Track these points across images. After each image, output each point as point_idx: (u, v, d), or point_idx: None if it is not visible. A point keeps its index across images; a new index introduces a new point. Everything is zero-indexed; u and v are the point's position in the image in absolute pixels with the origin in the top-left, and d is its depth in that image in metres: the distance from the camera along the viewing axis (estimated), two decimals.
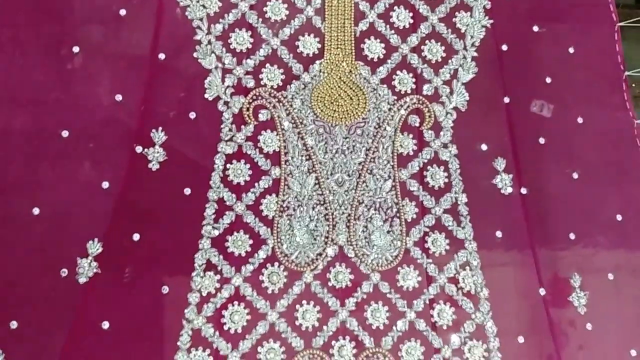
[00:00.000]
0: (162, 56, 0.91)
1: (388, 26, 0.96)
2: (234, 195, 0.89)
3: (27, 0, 0.90)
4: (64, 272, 0.84)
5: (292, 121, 0.92)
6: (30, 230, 0.85)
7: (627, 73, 1.02)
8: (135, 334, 0.85)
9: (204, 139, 0.90)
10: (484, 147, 0.95)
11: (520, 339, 0.91)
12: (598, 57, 1.02)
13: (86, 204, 0.87)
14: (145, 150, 0.88)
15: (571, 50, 1.00)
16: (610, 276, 0.97)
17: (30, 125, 0.88)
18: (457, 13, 0.97)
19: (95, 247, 0.85)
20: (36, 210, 0.86)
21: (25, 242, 0.85)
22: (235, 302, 0.87)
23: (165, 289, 0.86)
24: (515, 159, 0.95)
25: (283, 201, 0.90)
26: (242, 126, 0.91)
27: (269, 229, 0.89)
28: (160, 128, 0.89)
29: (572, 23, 1.01)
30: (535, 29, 0.99)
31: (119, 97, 0.89)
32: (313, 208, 0.90)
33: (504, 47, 0.98)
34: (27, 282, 0.84)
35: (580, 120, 0.98)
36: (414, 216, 0.92)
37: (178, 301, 0.86)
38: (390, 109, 0.94)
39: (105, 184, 0.87)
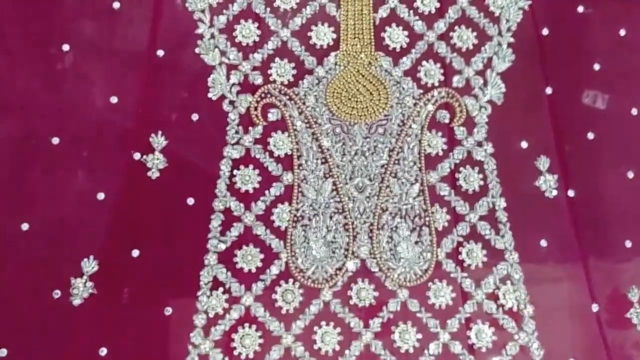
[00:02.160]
0: (160, 53, 0.89)
1: (411, 11, 0.92)
2: (242, 205, 0.86)
3: None
4: (57, 293, 0.83)
5: (306, 120, 0.89)
6: (18, 247, 0.84)
7: None
8: None
9: (208, 142, 0.88)
10: (524, 144, 0.90)
11: None
12: None
13: (80, 217, 0.85)
14: (144, 156, 0.87)
15: (622, 32, 0.94)
16: None
17: (17, 132, 0.87)
18: None
19: (90, 265, 0.84)
20: (25, 226, 0.84)
21: (13, 261, 0.84)
22: (246, 324, 0.83)
23: (169, 311, 0.83)
24: (561, 157, 0.91)
25: (297, 210, 0.86)
26: (250, 128, 0.88)
27: (281, 242, 0.86)
28: (159, 132, 0.87)
29: (623, 2, 0.96)
30: (580, 9, 0.94)
31: (114, 99, 0.88)
32: (330, 217, 0.87)
33: (545, 32, 0.93)
34: (16, 305, 0.83)
35: (634, 111, 0.93)
36: (446, 224, 0.87)
37: (183, 324, 0.83)
38: (415, 104, 0.90)
39: (101, 195, 0.85)
